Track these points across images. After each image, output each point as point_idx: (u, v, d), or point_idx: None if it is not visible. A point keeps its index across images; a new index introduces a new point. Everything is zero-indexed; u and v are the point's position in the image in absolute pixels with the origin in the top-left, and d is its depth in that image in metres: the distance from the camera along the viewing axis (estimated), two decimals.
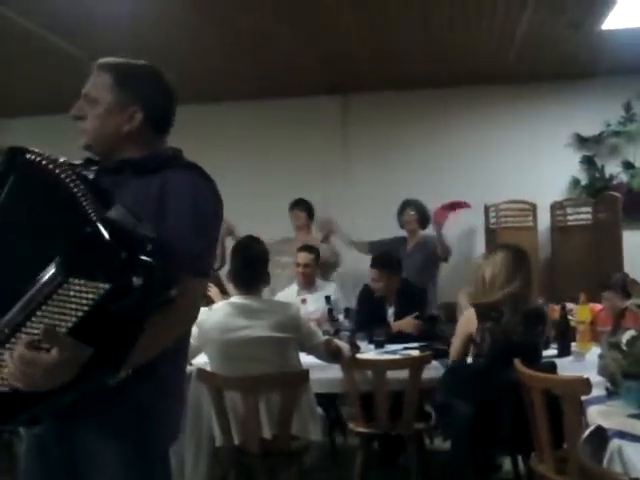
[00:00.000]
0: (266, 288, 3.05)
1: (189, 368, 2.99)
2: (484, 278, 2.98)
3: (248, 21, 4.31)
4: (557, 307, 3.56)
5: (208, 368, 2.89)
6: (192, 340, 2.80)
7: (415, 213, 4.93)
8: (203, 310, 2.89)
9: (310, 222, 5.14)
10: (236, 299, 2.85)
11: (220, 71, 5.29)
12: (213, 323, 2.80)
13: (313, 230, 5.15)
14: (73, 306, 1.20)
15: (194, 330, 2.83)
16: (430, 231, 5.01)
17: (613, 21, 4.38)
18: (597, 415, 2.20)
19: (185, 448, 2.95)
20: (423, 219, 4.96)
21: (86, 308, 1.19)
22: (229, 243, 4.92)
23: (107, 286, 1.18)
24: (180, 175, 1.47)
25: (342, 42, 4.74)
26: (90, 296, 1.19)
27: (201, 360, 2.99)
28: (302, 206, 5.10)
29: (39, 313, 1.21)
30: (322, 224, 5.05)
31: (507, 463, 3.37)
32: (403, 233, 5.09)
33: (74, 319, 1.20)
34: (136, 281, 1.19)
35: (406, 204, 4.99)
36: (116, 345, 1.24)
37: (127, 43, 4.38)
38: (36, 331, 1.21)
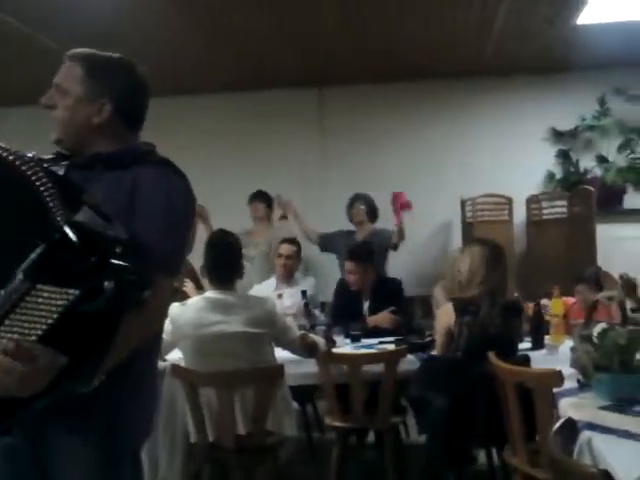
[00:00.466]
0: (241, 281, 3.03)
1: (163, 364, 2.98)
2: (461, 273, 2.99)
3: (226, 12, 4.27)
4: (531, 305, 3.58)
5: (182, 364, 2.86)
6: (166, 335, 2.81)
7: (365, 207, 4.94)
8: (177, 305, 2.87)
9: (269, 214, 5.18)
10: (210, 294, 2.82)
11: (198, 63, 5.24)
12: (187, 318, 2.77)
13: (274, 221, 5.21)
14: (43, 313, 1.16)
15: (168, 326, 2.83)
16: (379, 224, 5.01)
17: (587, 16, 4.41)
18: (568, 407, 2.21)
19: (159, 445, 2.93)
20: (372, 212, 4.98)
21: (56, 315, 1.16)
22: (200, 230, 4.95)
23: (77, 292, 1.15)
24: (153, 171, 1.45)
25: (319, 35, 4.72)
26: (60, 302, 1.16)
27: (175, 356, 2.96)
28: (261, 198, 5.15)
29: (7, 322, 1.17)
30: (281, 203, 5.11)
31: (482, 456, 3.39)
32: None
33: (44, 326, 1.17)
34: (107, 285, 1.17)
35: (355, 198, 5.01)
36: (90, 351, 1.22)
37: (104, 35, 4.34)
38: (4, 341, 1.17)
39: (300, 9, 4.23)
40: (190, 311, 2.78)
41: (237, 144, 5.94)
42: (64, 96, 1.50)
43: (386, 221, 4.98)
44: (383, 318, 3.85)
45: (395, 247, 4.96)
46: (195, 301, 2.85)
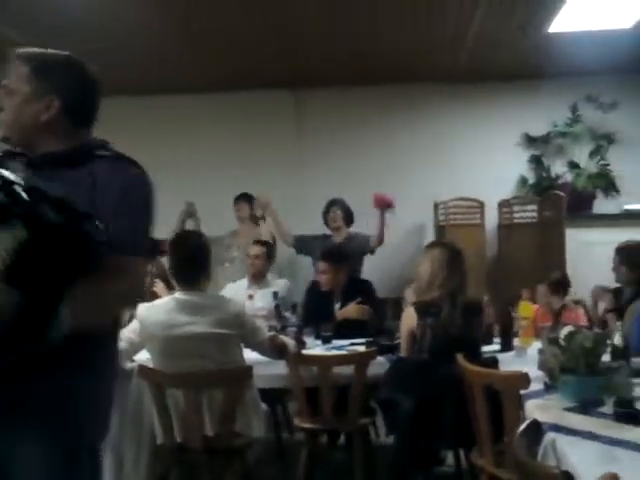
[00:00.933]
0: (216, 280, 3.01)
1: (131, 364, 2.94)
2: (422, 276, 3.05)
3: (203, 12, 4.25)
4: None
5: (150, 364, 2.83)
6: (133, 336, 2.78)
7: (341, 212, 4.93)
8: (145, 305, 2.84)
9: (253, 213, 5.19)
10: (179, 295, 2.79)
11: (174, 63, 5.20)
12: (155, 319, 2.74)
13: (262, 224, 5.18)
14: None
15: (136, 326, 2.80)
16: (354, 229, 5.04)
17: (559, 25, 4.47)
18: (535, 409, 2.24)
19: (125, 446, 2.89)
20: (348, 217, 4.98)
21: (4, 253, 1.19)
22: (190, 225, 4.93)
23: (23, 231, 1.18)
24: (108, 166, 1.47)
25: (296, 37, 4.71)
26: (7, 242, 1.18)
27: (143, 356, 2.93)
28: (245, 199, 5.17)
29: None
30: (259, 203, 5.07)
31: (451, 457, 3.40)
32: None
33: None
34: (53, 218, 1.21)
35: (332, 203, 4.99)
36: (43, 290, 1.23)
37: (78, 33, 4.29)
38: None
39: (278, 11, 4.22)
40: (158, 312, 2.75)
41: (214, 145, 5.91)
42: (11, 96, 1.51)
43: (363, 225, 4.99)
44: (351, 309, 3.86)
45: (372, 251, 4.98)
46: (163, 302, 2.82)
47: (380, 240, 4.85)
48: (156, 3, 4.03)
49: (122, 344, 2.81)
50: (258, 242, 4.44)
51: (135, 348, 2.86)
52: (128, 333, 2.82)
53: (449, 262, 3.04)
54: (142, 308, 2.80)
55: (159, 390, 2.72)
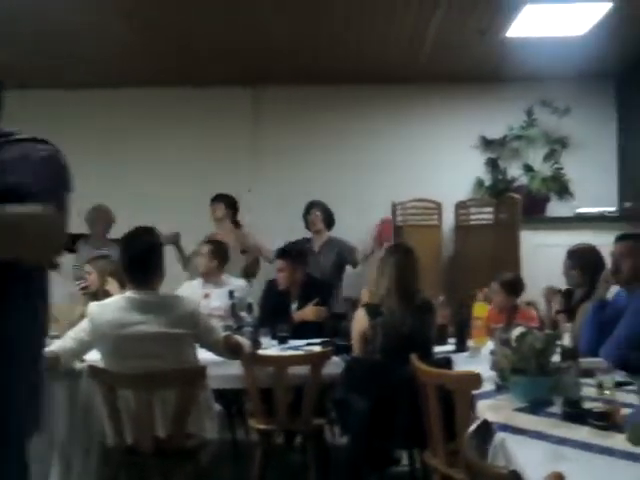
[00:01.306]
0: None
1: (80, 365, 2.88)
2: (373, 277, 3.09)
3: (155, 9, 4.18)
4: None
5: (100, 364, 2.76)
6: (83, 335, 2.72)
7: (321, 214, 4.98)
8: (96, 304, 2.78)
9: (231, 215, 5.11)
10: (131, 293, 2.73)
11: (128, 57, 5.10)
12: (106, 318, 2.68)
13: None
14: None
15: (86, 325, 2.73)
16: (334, 233, 5.05)
17: (517, 29, 4.54)
18: (485, 409, 2.26)
19: (73, 448, 2.82)
20: (329, 219, 5.03)
21: None
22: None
23: None
24: (17, 147, 1.43)
25: (254, 35, 4.67)
26: None
27: (94, 356, 2.86)
28: (219, 199, 5.09)
29: None
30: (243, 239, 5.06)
31: (406, 457, 3.43)
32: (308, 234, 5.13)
33: None
34: None
35: (312, 205, 5.05)
36: None
37: (30, 25, 4.18)
38: None
39: (233, 8, 4.18)
40: (109, 311, 2.69)
41: (169, 141, 5.82)
42: None
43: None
44: (309, 311, 3.86)
45: (355, 264, 4.99)
46: (115, 300, 2.76)
47: (368, 257, 4.90)
48: None
49: (71, 343, 2.75)
50: (209, 241, 4.38)
51: (84, 348, 2.79)
52: (78, 332, 2.75)
53: (398, 262, 3.07)
54: (93, 307, 2.74)
55: (110, 391, 2.67)
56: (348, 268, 5.14)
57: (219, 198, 5.09)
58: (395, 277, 3.04)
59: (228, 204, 5.08)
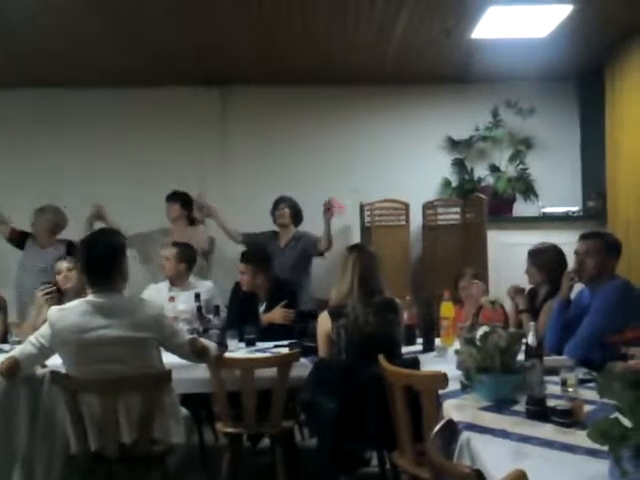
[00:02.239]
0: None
1: (42, 370, 2.82)
2: (336, 279, 3.13)
3: (123, 8, 4.12)
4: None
5: (62, 370, 2.70)
6: (44, 341, 2.66)
7: (288, 209, 4.99)
8: (56, 309, 2.72)
9: (186, 213, 5.08)
10: (92, 297, 2.67)
11: (93, 56, 5.02)
12: (67, 323, 2.61)
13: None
14: None
15: (47, 330, 2.67)
16: (302, 228, 5.06)
17: (481, 31, 4.58)
18: (451, 408, 2.27)
19: (36, 456, 2.75)
20: (296, 215, 5.04)
21: None
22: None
23: None
24: None
25: (219, 34, 4.63)
26: None
27: (56, 362, 2.79)
28: (175, 198, 5.07)
29: None
30: (200, 205, 5.09)
31: (376, 458, 3.43)
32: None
33: None
34: None
35: (280, 200, 5.07)
36: None
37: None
38: None
39: (200, 8, 4.14)
40: (70, 315, 2.63)
41: (135, 142, 5.75)
42: None
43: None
44: (277, 313, 3.85)
45: (322, 254, 5.00)
46: (75, 305, 2.69)
47: (330, 243, 4.93)
48: None
49: (31, 349, 2.69)
50: (173, 244, 4.33)
51: (45, 354, 2.72)
52: (38, 337, 2.69)
53: (344, 263, 3.10)
54: (53, 311, 2.67)
55: (72, 397, 2.61)
56: (319, 269, 5.13)
57: (174, 197, 5.07)
58: (357, 276, 3.05)
59: (183, 203, 5.06)
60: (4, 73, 5.29)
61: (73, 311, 2.64)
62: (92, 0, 4.03)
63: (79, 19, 4.30)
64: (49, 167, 5.59)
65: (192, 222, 5.14)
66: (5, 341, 3.63)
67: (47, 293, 3.63)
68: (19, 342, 3.30)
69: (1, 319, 3.82)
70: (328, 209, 4.89)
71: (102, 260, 2.66)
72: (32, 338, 2.72)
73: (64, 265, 3.83)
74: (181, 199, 5.07)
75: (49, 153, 5.66)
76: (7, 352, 3.09)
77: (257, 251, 4.12)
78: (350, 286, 3.03)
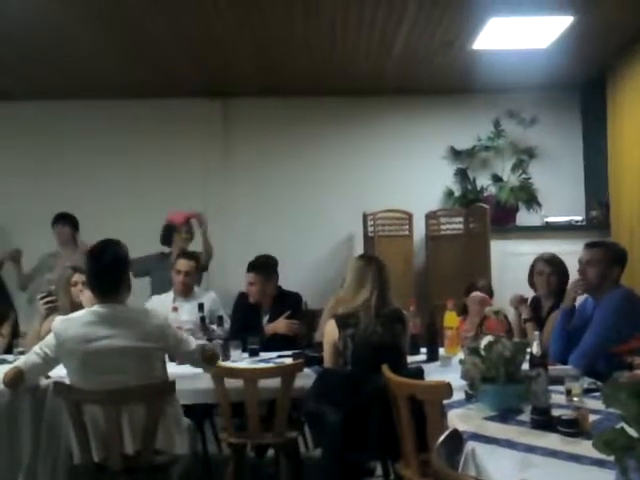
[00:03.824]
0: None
1: (46, 381, 2.81)
2: (343, 288, 3.13)
3: (125, 21, 4.16)
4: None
5: (67, 381, 2.70)
6: (48, 351, 2.66)
7: (188, 235, 4.78)
8: (61, 319, 2.72)
9: (76, 235, 5.02)
10: (97, 307, 2.67)
11: (97, 69, 5.06)
12: (73, 333, 2.61)
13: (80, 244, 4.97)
14: None
15: (51, 340, 2.67)
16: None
17: (483, 42, 4.61)
18: (456, 418, 2.27)
19: (39, 467, 2.75)
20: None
21: None
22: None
23: None
24: None
25: (220, 48, 4.68)
26: None
27: (60, 372, 2.79)
28: (63, 221, 5.00)
29: None
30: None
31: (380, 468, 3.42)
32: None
33: None
34: None
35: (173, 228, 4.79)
36: None
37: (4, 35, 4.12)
38: None
39: (201, 21, 4.17)
40: (75, 325, 2.63)
41: (135, 154, 5.77)
42: None
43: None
44: (280, 324, 3.85)
45: (205, 267, 4.80)
46: (80, 315, 2.69)
47: (208, 254, 4.73)
48: (74, 6, 3.89)
49: (35, 359, 2.69)
50: (186, 255, 4.30)
51: (49, 364, 2.72)
52: (43, 347, 2.69)
53: (362, 273, 3.09)
54: (58, 322, 2.67)
55: (76, 407, 2.60)
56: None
57: (62, 221, 4.98)
58: (377, 287, 3.05)
59: (73, 226, 5.00)
60: (11, 85, 5.33)
61: (78, 321, 2.64)
62: (97, 16, 4.08)
63: (84, 35, 4.35)
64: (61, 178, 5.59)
65: (76, 243, 5.02)
66: (10, 352, 3.62)
67: (47, 302, 3.62)
68: (22, 353, 3.31)
69: (7, 330, 3.81)
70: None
71: (109, 270, 2.66)
72: (36, 348, 2.72)
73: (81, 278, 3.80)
74: (70, 222, 4.99)
75: (53, 163, 5.68)
76: (11, 362, 3.10)
77: (264, 260, 4.08)
78: (369, 296, 3.02)
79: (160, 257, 4.78)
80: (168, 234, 4.81)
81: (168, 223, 4.82)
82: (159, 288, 4.44)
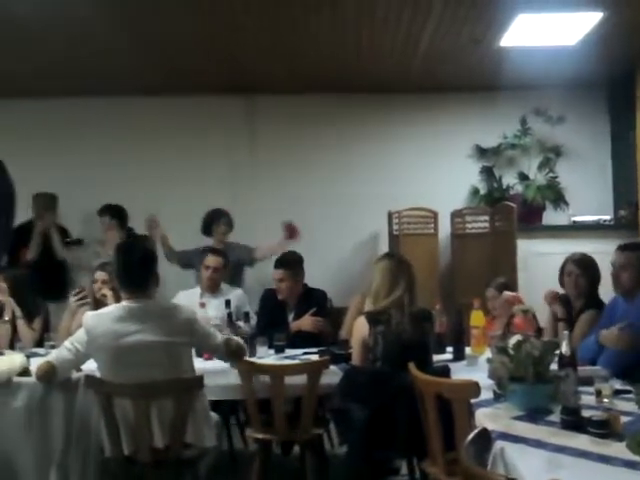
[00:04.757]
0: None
1: (77, 374, 2.86)
2: (372, 287, 3.13)
3: (152, 20, 4.20)
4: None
5: (97, 374, 2.75)
6: (79, 346, 2.71)
7: (227, 227, 4.97)
8: (92, 314, 2.77)
9: (121, 225, 5.03)
10: (126, 302, 2.72)
11: (124, 66, 5.11)
12: (103, 328, 2.67)
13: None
14: None
15: (83, 336, 2.72)
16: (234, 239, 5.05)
17: (510, 39, 4.57)
18: (484, 417, 2.26)
19: (71, 460, 2.79)
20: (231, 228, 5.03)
21: None
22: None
23: None
24: None
25: (244, 44, 4.69)
26: None
27: (91, 366, 2.84)
28: (107, 212, 5.06)
29: None
30: (147, 222, 4.88)
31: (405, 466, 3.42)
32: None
33: None
34: None
35: (220, 216, 4.99)
36: None
37: (26, 39, 4.19)
38: None
39: (227, 18, 4.20)
40: (105, 321, 2.67)
41: (162, 152, 5.82)
42: None
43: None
44: (305, 321, 3.86)
45: (252, 263, 4.98)
46: (110, 310, 2.74)
47: (266, 257, 4.84)
48: (102, 5, 3.94)
49: (67, 354, 2.74)
50: (214, 252, 4.34)
51: (80, 359, 2.78)
52: (74, 342, 2.74)
53: (395, 272, 3.11)
54: (88, 317, 2.73)
55: (107, 401, 2.66)
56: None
57: (107, 210, 5.05)
58: (407, 286, 3.08)
59: (117, 216, 5.03)
60: (40, 83, 5.42)
61: (109, 317, 2.69)
62: (123, 17, 4.13)
63: (109, 35, 4.41)
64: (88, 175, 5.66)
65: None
66: (41, 345, 3.70)
67: (80, 299, 3.68)
68: (53, 346, 3.37)
69: (39, 325, 3.89)
70: (292, 233, 4.83)
71: (137, 266, 2.71)
72: (67, 343, 2.78)
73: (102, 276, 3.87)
74: (115, 213, 5.05)
75: (91, 161, 5.73)
76: (42, 356, 3.16)
77: (292, 256, 4.10)
78: (401, 294, 3.05)
79: (202, 251, 4.84)
80: (208, 225, 4.99)
81: (210, 214, 4.98)
82: None
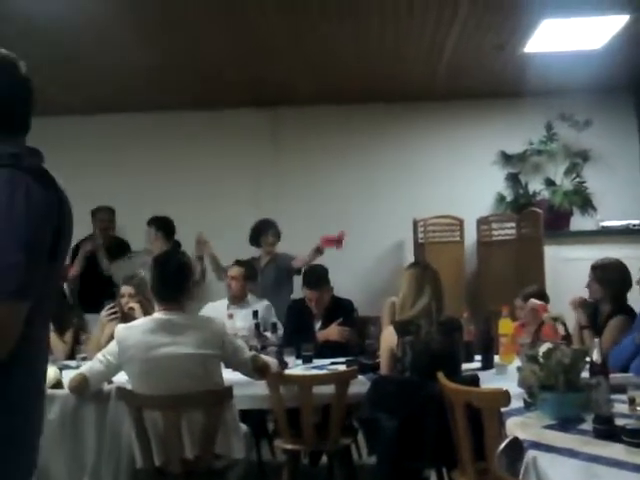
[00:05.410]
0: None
1: (109, 386, 2.90)
2: (400, 297, 3.14)
3: (177, 36, 4.27)
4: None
5: (128, 386, 2.78)
6: (111, 358, 2.75)
7: (275, 238, 4.99)
8: (123, 326, 2.81)
9: (167, 237, 5.03)
10: (158, 314, 2.76)
11: (149, 82, 5.20)
12: (135, 340, 2.70)
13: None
14: None
15: (114, 348, 2.76)
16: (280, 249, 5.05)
17: (534, 45, 4.55)
18: (515, 427, 2.24)
19: (103, 471, 2.83)
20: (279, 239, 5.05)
21: None
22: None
23: None
24: (6, 175, 1.30)
25: (272, 61, 4.74)
26: None
27: (122, 378, 2.88)
28: (151, 223, 5.05)
29: None
30: (197, 243, 4.94)
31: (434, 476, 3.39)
32: None
33: None
34: None
35: (269, 227, 5.00)
36: None
37: (57, 54, 4.28)
38: None
39: (254, 30, 4.25)
40: (137, 333, 2.71)
41: (190, 164, 5.89)
42: None
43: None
44: (332, 331, 3.86)
45: (299, 271, 4.86)
46: (142, 322, 2.78)
47: (307, 264, 4.80)
48: (128, 21, 4.02)
49: (99, 366, 2.78)
50: (237, 262, 4.40)
51: (112, 371, 2.82)
52: (106, 355, 2.78)
53: (420, 280, 3.11)
54: (120, 329, 2.76)
55: (138, 412, 2.68)
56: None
57: (152, 222, 5.03)
58: (434, 294, 3.07)
59: (162, 227, 5.01)
60: (73, 101, 5.53)
61: (140, 329, 2.72)
62: (151, 33, 4.22)
63: (138, 52, 4.50)
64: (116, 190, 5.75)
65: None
66: (72, 357, 3.75)
67: (111, 314, 3.72)
68: (84, 358, 3.42)
69: (70, 337, 3.94)
70: (339, 242, 4.80)
71: (173, 278, 2.75)
72: (100, 355, 2.82)
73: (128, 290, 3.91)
74: (159, 224, 5.03)
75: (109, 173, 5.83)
76: (74, 368, 3.21)
77: (318, 272, 4.07)
78: (428, 303, 3.04)
79: (253, 261, 4.94)
80: (256, 236, 5.04)
81: (257, 225, 5.02)
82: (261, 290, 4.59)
